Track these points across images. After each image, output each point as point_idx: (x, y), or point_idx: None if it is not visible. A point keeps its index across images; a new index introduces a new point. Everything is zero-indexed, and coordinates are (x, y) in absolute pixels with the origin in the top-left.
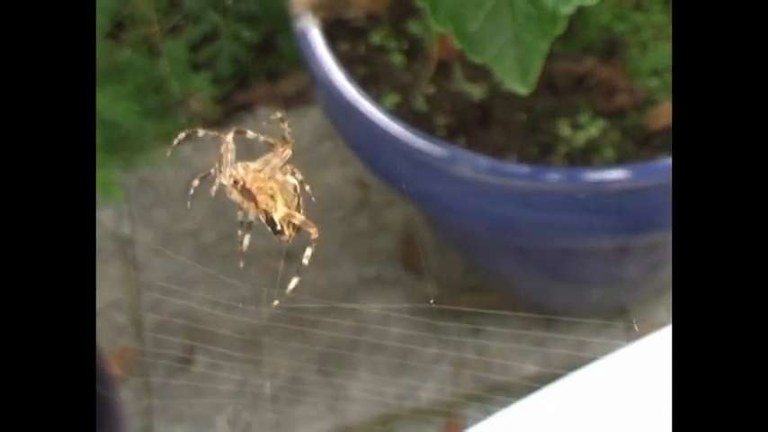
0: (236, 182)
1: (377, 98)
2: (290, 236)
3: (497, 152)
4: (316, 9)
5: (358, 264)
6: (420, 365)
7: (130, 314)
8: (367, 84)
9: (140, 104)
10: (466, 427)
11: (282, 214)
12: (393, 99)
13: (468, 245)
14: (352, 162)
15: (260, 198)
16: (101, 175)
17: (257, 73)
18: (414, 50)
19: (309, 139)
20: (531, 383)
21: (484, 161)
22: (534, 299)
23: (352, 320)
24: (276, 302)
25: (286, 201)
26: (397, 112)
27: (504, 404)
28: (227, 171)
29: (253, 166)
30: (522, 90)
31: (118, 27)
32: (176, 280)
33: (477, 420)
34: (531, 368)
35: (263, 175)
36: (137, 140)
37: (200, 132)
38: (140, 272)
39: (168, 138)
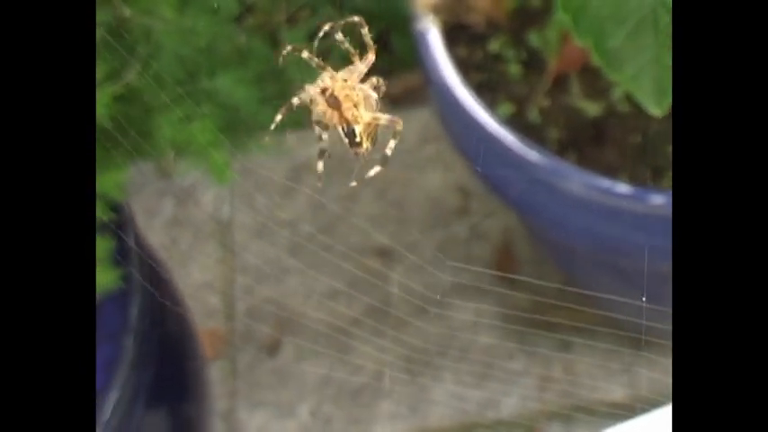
0: (324, 90)
1: (491, 106)
2: (367, 149)
3: (608, 171)
4: (437, 11)
5: (453, 270)
6: (505, 377)
7: (223, 297)
8: (482, 91)
9: (259, 91)
10: None
11: (368, 119)
12: (507, 108)
13: (567, 260)
14: (455, 167)
15: (345, 106)
16: (216, 158)
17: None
18: (531, 61)
19: (414, 141)
20: (617, 406)
21: (594, 179)
22: (629, 320)
23: (442, 324)
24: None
25: (368, 110)
26: (510, 122)
27: (588, 425)
28: (317, 82)
29: (340, 75)
30: (656, 112)
31: (248, 11)
32: (271, 267)
33: None
34: (618, 390)
35: (350, 84)
36: (252, 126)
37: (305, 54)
38: (236, 256)
39: (280, 126)
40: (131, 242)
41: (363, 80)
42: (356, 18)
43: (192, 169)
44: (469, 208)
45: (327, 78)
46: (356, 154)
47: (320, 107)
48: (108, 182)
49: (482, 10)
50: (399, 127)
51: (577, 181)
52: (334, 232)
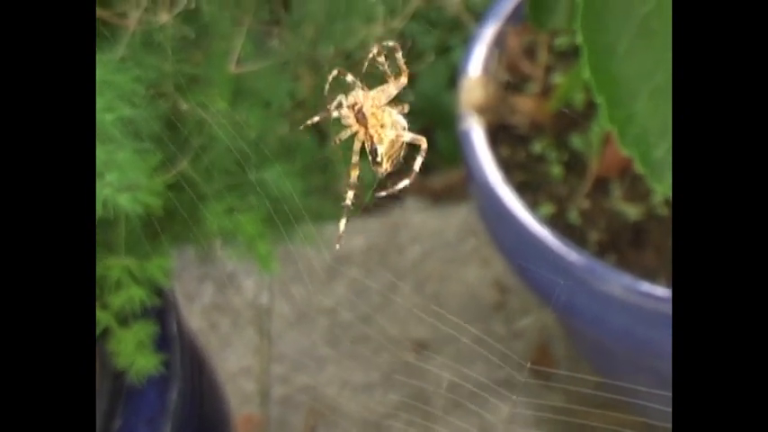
0: (355, 104)
1: (532, 206)
2: (386, 170)
3: (648, 274)
4: (482, 112)
5: (489, 366)
6: None
7: (258, 383)
8: (524, 190)
9: (305, 183)
10: None
11: (392, 137)
12: (548, 209)
13: (604, 361)
14: (494, 264)
15: (371, 123)
16: (261, 248)
17: (410, 165)
18: (573, 163)
19: (453, 236)
20: None
21: (633, 282)
22: (667, 428)
23: (477, 422)
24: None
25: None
26: (551, 222)
27: None
28: (350, 95)
29: (371, 93)
30: None
31: (298, 106)
32: (307, 356)
33: None
34: None
35: (380, 103)
36: (296, 216)
37: (349, 78)
38: (273, 343)
39: (321, 217)
40: (174, 328)
41: (393, 105)
42: (391, 43)
43: (237, 258)
44: (507, 304)
45: (360, 95)
46: (376, 171)
47: (350, 120)
48: (154, 267)
49: (526, 112)
50: (424, 144)
51: (616, 283)
52: (372, 323)
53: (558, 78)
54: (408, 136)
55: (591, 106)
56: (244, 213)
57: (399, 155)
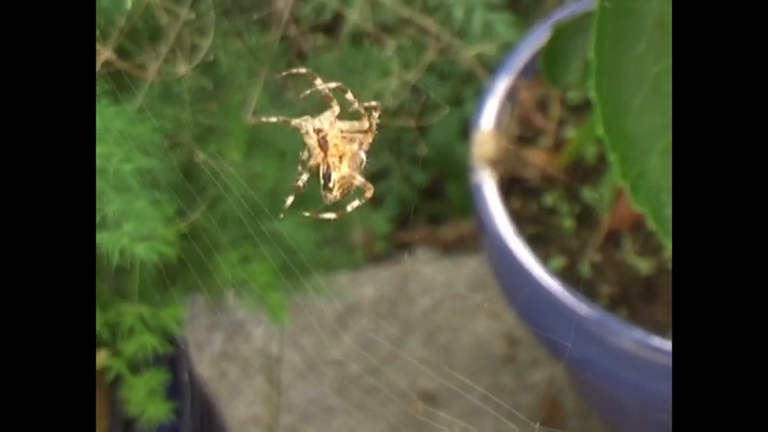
0: (320, 131)
1: (543, 258)
2: (336, 197)
3: (659, 329)
4: (494, 165)
5: (497, 420)
6: None
7: None
8: (535, 243)
9: (318, 234)
10: None
11: (345, 174)
12: (559, 261)
13: (615, 415)
14: (503, 316)
15: (331, 152)
16: (273, 298)
17: (421, 215)
18: (584, 216)
19: (463, 288)
20: None
21: (644, 336)
22: None
23: None
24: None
25: (350, 166)
26: (562, 275)
27: None
28: (318, 120)
29: (339, 125)
30: None
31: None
32: (316, 406)
33: None
34: None
35: (345, 136)
36: (307, 267)
37: (302, 70)
38: (282, 393)
39: (333, 267)
40: (185, 376)
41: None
42: (374, 102)
43: (249, 307)
44: (517, 357)
45: (328, 123)
46: (325, 197)
47: (311, 142)
48: (167, 316)
49: (538, 165)
50: (370, 194)
51: (628, 337)
52: (381, 374)
53: (570, 132)
54: (359, 180)
55: (603, 160)
56: (257, 263)
57: (351, 185)
